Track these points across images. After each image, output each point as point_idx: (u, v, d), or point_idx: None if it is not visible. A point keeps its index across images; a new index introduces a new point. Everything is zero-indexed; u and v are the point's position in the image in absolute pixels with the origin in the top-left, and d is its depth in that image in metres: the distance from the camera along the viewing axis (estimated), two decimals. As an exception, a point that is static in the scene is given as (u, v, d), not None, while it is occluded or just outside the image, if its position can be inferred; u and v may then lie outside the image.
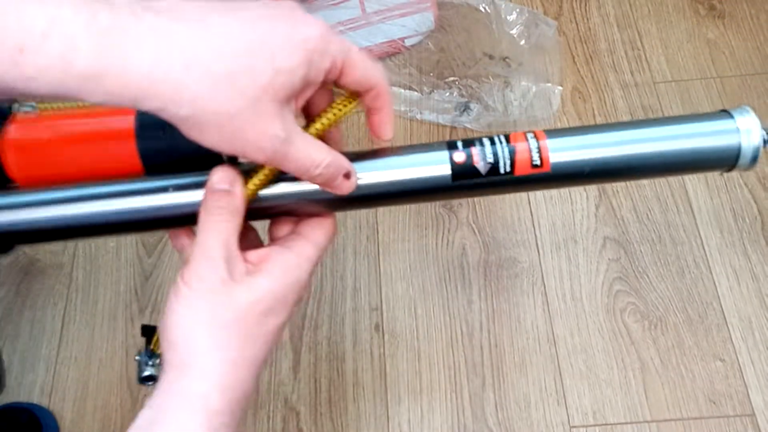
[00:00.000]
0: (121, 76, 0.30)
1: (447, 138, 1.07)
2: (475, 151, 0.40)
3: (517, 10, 1.08)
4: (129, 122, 0.38)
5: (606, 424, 0.85)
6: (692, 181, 1.00)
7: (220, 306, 0.35)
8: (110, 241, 1.02)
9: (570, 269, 0.94)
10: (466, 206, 1.00)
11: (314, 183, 0.37)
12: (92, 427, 0.89)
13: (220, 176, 0.36)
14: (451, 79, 1.09)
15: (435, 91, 1.08)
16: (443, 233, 0.98)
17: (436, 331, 0.92)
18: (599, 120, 1.06)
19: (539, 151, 0.39)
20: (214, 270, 0.35)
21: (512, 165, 0.39)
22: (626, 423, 0.85)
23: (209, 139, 0.32)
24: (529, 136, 0.40)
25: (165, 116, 0.31)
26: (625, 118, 1.06)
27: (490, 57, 1.10)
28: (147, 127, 0.38)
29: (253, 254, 0.37)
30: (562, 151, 0.40)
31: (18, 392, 0.92)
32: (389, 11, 1.12)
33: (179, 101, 0.30)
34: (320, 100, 0.38)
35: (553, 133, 0.40)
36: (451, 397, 0.88)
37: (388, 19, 1.12)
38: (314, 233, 0.39)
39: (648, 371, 0.87)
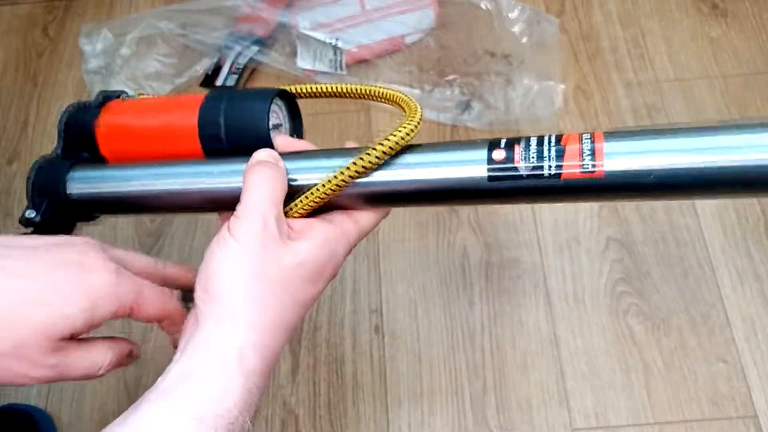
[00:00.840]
0: None
1: (447, 135, 1.07)
2: (518, 150, 0.35)
3: (519, 7, 1.07)
4: (193, 118, 0.42)
5: (608, 427, 0.84)
6: (695, 180, 0.99)
7: (267, 263, 0.35)
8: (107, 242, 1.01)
9: (573, 270, 0.94)
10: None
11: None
12: (90, 429, 0.89)
13: (265, 153, 0.39)
14: (452, 77, 1.08)
15: (436, 89, 1.08)
16: (444, 234, 0.98)
17: (436, 333, 0.91)
18: (602, 118, 1.06)
19: (593, 154, 0.33)
20: (265, 227, 0.36)
21: (559, 167, 0.34)
22: (629, 425, 0.84)
23: None
24: (585, 137, 0.34)
25: None
26: (629, 116, 1.05)
27: (492, 55, 1.09)
28: (207, 123, 0.42)
29: (295, 222, 0.38)
30: (623, 156, 0.33)
31: (15, 394, 0.91)
32: (389, 8, 1.11)
33: None
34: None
35: (614, 135, 0.34)
36: (452, 399, 0.87)
37: (388, 16, 1.11)
38: (359, 214, 0.40)
39: (651, 373, 0.87)
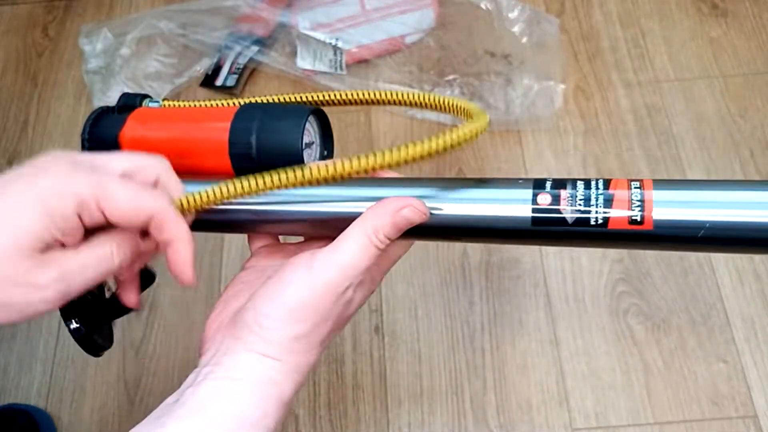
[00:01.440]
0: None
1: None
2: (564, 195, 0.34)
3: (519, 7, 1.07)
4: (224, 135, 0.41)
5: (608, 427, 0.84)
6: (695, 181, 0.99)
7: (324, 301, 0.35)
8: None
9: (573, 270, 0.94)
10: (467, 206, 0.99)
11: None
12: (89, 429, 0.89)
13: (413, 215, 0.35)
14: (452, 77, 1.08)
15: (436, 89, 1.07)
16: (444, 233, 0.98)
17: (436, 333, 0.91)
18: (602, 118, 1.06)
19: (642, 205, 0.33)
20: (346, 288, 0.35)
21: (606, 218, 0.33)
22: (629, 425, 0.84)
23: None
24: (634, 185, 0.34)
25: None
26: (629, 116, 1.05)
27: (492, 55, 1.09)
28: (238, 143, 0.40)
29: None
30: (673, 207, 0.33)
31: (15, 394, 0.91)
32: (389, 8, 1.11)
33: None
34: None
35: (664, 183, 0.34)
36: (452, 399, 0.87)
37: (388, 16, 1.11)
38: (391, 246, 0.38)
39: (651, 373, 0.87)
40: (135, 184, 0.35)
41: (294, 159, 0.40)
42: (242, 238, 1.03)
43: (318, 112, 0.44)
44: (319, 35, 1.08)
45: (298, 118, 0.41)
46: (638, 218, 0.33)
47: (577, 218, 0.34)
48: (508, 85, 1.06)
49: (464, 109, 0.40)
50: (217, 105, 0.45)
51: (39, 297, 0.32)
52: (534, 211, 0.35)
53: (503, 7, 1.07)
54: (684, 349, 0.88)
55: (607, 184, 0.34)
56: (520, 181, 0.36)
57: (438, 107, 0.41)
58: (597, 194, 0.34)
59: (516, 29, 1.07)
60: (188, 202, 0.37)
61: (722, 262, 0.93)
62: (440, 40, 1.11)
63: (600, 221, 0.33)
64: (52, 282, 0.32)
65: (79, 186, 0.33)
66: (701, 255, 0.94)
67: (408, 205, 0.35)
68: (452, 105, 0.41)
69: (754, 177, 0.99)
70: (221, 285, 0.96)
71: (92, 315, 0.41)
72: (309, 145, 0.43)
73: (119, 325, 0.95)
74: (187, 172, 0.41)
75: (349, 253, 0.35)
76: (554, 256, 0.95)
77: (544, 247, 0.96)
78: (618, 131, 1.04)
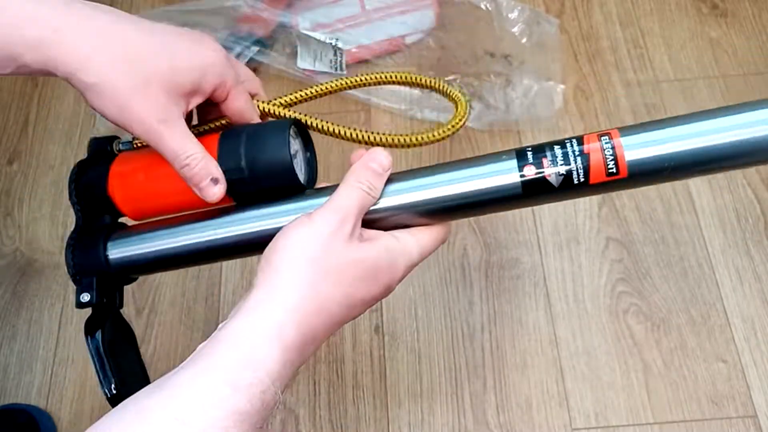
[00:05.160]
0: (47, 41, 0.37)
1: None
2: (546, 162, 0.39)
3: (519, 8, 1.07)
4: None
5: (608, 427, 0.84)
6: (695, 181, 0.99)
7: (331, 252, 0.38)
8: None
9: (572, 270, 0.94)
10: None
11: (184, 177, 0.41)
12: (90, 429, 0.89)
13: (379, 158, 0.41)
14: (452, 77, 1.08)
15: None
16: (444, 233, 0.98)
17: (436, 333, 0.91)
18: (601, 119, 1.06)
19: (615, 159, 0.38)
20: (342, 222, 0.38)
21: (587, 176, 0.38)
22: (628, 425, 0.84)
23: (105, 106, 0.39)
24: (604, 139, 0.38)
25: (74, 82, 0.38)
26: (628, 117, 1.05)
27: (492, 55, 1.09)
28: (229, 170, 0.42)
29: (366, 231, 0.41)
30: (640, 148, 0.38)
31: (16, 393, 0.91)
32: (389, 9, 1.11)
33: (86, 70, 0.38)
34: (210, 114, 0.46)
35: (627, 130, 0.39)
36: (452, 399, 0.87)
37: (388, 16, 1.11)
38: (421, 233, 0.42)
39: (651, 373, 0.87)
40: (249, 96, 0.45)
41: (286, 172, 0.42)
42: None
43: (297, 123, 0.46)
44: (319, 35, 1.08)
45: (281, 132, 0.43)
46: (614, 170, 0.38)
47: (562, 181, 0.39)
48: (508, 86, 1.06)
49: (449, 95, 0.47)
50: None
51: (147, 121, 0.39)
52: (522, 182, 0.39)
53: (503, 7, 1.07)
54: (684, 349, 0.88)
55: (581, 141, 0.39)
56: (504, 156, 0.41)
57: (426, 86, 0.49)
58: (575, 157, 0.39)
59: (516, 30, 1.07)
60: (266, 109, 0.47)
61: (722, 262, 0.93)
62: (440, 41, 1.12)
63: (582, 179, 0.38)
64: (158, 122, 0.39)
65: (228, 73, 0.43)
66: (701, 256, 0.94)
67: (375, 154, 0.42)
68: (440, 88, 0.48)
69: (753, 177, 0.99)
70: (221, 285, 0.96)
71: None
72: (294, 156, 0.44)
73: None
74: (183, 206, 0.44)
75: (337, 196, 0.40)
76: (554, 256, 0.95)
77: (544, 248, 0.96)
78: (618, 131, 1.04)
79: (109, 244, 0.46)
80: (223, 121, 0.46)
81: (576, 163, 0.38)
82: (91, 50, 0.37)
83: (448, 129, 0.45)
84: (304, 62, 1.10)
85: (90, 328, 0.46)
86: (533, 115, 1.05)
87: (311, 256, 0.37)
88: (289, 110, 0.47)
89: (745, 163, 0.39)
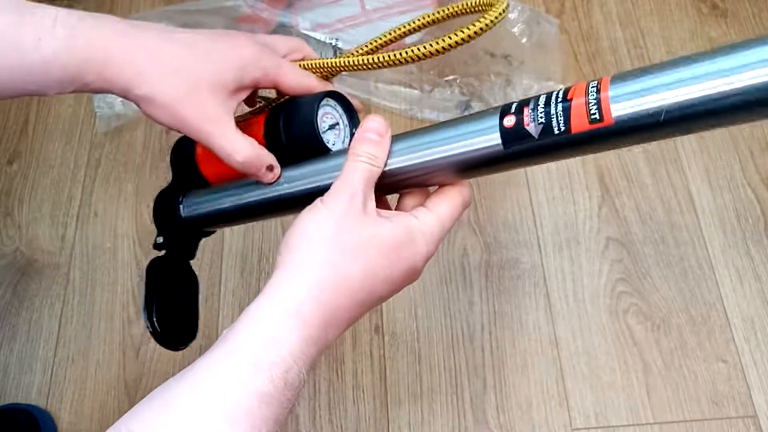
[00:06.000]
0: (104, 62, 0.42)
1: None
2: (527, 111, 0.36)
3: (519, 8, 1.07)
4: (260, 134, 0.48)
5: (608, 427, 0.84)
6: (695, 181, 0.99)
7: (346, 229, 0.38)
8: (107, 242, 1.01)
9: (572, 270, 0.94)
10: (467, 206, 1.00)
11: (240, 170, 0.45)
12: (90, 429, 0.89)
13: (373, 126, 0.42)
14: (452, 77, 1.08)
15: (436, 89, 1.08)
16: (444, 233, 0.98)
17: (436, 333, 0.91)
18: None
19: (598, 103, 0.34)
20: (352, 198, 0.39)
21: (567, 122, 0.35)
22: (628, 425, 0.84)
23: (157, 114, 0.43)
24: (591, 86, 0.34)
25: (130, 97, 0.43)
26: (628, 117, 1.05)
27: (492, 55, 1.09)
28: (275, 149, 0.47)
29: (383, 211, 0.41)
30: (630, 99, 0.33)
31: (16, 393, 0.91)
32: (389, 8, 1.11)
33: (139, 84, 0.42)
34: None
35: (619, 77, 0.34)
36: (452, 399, 0.87)
37: (387, 16, 1.11)
38: (438, 206, 0.42)
39: (651, 373, 0.87)
40: (301, 71, 0.48)
41: (317, 143, 0.46)
42: (242, 237, 1.03)
43: (337, 96, 0.49)
44: (319, 35, 1.08)
45: (311, 105, 0.46)
46: (597, 116, 0.34)
47: (542, 130, 0.35)
48: (508, 86, 1.06)
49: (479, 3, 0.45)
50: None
51: (197, 121, 0.43)
52: (502, 134, 0.37)
53: (503, 7, 1.07)
54: (684, 348, 0.88)
55: (566, 92, 0.35)
56: (490, 110, 0.39)
57: (455, 14, 0.47)
58: (556, 104, 0.35)
59: (516, 30, 1.07)
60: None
61: (722, 262, 0.93)
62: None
63: (563, 128, 0.35)
64: (210, 122, 0.44)
65: (266, 63, 0.46)
66: (701, 256, 0.94)
67: (368, 123, 0.42)
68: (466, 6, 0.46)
69: (754, 177, 0.99)
70: (221, 285, 0.96)
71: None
72: (334, 126, 0.47)
73: (119, 326, 0.95)
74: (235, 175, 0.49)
75: (342, 174, 0.41)
76: (554, 256, 0.95)
77: (544, 248, 0.96)
78: (618, 131, 1.04)
79: (185, 200, 0.53)
80: (266, 101, 0.50)
81: (556, 108, 0.35)
82: (142, 68, 0.42)
83: (487, 21, 0.41)
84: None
85: (152, 264, 0.52)
86: (533, 115, 1.05)
87: (326, 236, 0.38)
88: (337, 61, 0.48)
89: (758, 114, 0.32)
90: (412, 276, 0.41)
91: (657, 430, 0.84)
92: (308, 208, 0.40)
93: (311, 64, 0.49)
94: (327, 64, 0.48)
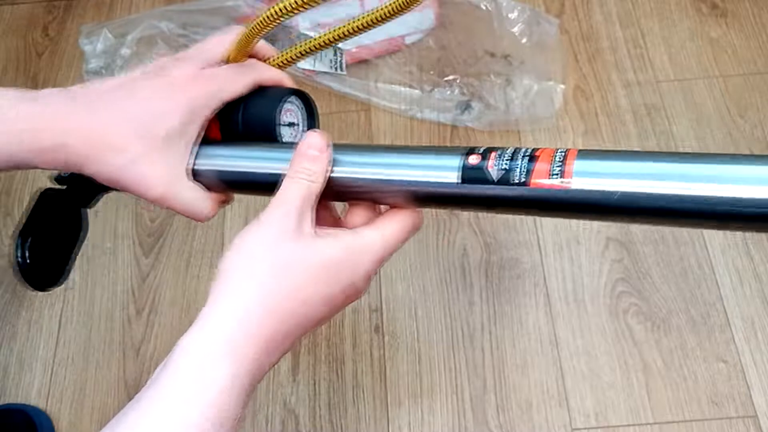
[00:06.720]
0: (59, 149, 0.40)
1: (447, 136, 1.07)
2: (493, 155, 0.37)
3: (519, 7, 1.07)
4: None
5: (608, 427, 0.84)
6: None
7: (278, 249, 0.37)
8: (107, 242, 1.01)
9: (572, 270, 0.94)
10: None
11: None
12: (89, 429, 0.89)
13: (313, 141, 0.40)
14: (452, 77, 1.08)
15: (436, 89, 1.08)
16: (444, 234, 0.98)
17: (436, 333, 0.91)
18: (601, 119, 1.06)
19: (562, 167, 0.35)
20: (286, 216, 0.38)
21: (528, 175, 0.36)
22: (628, 425, 0.84)
23: (105, 173, 0.41)
24: (559, 152, 0.36)
25: (85, 171, 0.41)
26: (628, 116, 1.05)
27: (492, 55, 1.09)
28: (227, 118, 0.46)
29: (322, 229, 0.40)
30: (591, 176, 0.34)
31: (15, 393, 0.91)
32: (389, 9, 1.11)
33: (84, 165, 0.41)
34: None
35: (587, 153, 0.35)
36: (452, 399, 0.87)
37: (388, 16, 1.11)
38: (386, 226, 0.40)
39: (651, 373, 0.87)
40: (234, 68, 0.46)
41: (268, 126, 0.45)
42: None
43: (305, 100, 0.48)
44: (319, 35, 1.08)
45: (278, 95, 0.46)
46: (557, 180, 0.35)
47: (502, 176, 0.36)
48: (508, 85, 1.06)
49: None
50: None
51: (163, 172, 0.42)
52: (463, 169, 0.38)
53: (503, 7, 1.07)
54: (684, 349, 0.88)
55: (534, 150, 0.36)
56: (457, 148, 0.39)
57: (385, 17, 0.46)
58: (523, 157, 0.36)
59: (516, 30, 1.07)
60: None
61: (722, 262, 0.93)
62: (440, 41, 1.12)
63: (523, 179, 0.36)
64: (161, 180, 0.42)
65: (233, 84, 0.44)
66: (701, 256, 0.94)
67: (308, 138, 0.41)
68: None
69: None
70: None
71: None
72: (293, 124, 0.46)
73: (118, 326, 0.95)
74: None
75: (279, 191, 0.39)
76: (554, 256, 0.95)
77: (544, 248, 0.96)
78: (618, 131, 1.04)
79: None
80: None
81: (522, 161, 0.36)
82: (92, 147, 0.41)
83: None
84: (303, 62, 1.10)
85: (44, 194, 0.48)
86: (533, 115, 1.05)
87: (259, 257, 0.37)
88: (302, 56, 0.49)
89: (707, 223, 0.33)
90: (352, 295, 0.40)
91: (657, 430, 0.84)
92: (246, 228, 0.38)
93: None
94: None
